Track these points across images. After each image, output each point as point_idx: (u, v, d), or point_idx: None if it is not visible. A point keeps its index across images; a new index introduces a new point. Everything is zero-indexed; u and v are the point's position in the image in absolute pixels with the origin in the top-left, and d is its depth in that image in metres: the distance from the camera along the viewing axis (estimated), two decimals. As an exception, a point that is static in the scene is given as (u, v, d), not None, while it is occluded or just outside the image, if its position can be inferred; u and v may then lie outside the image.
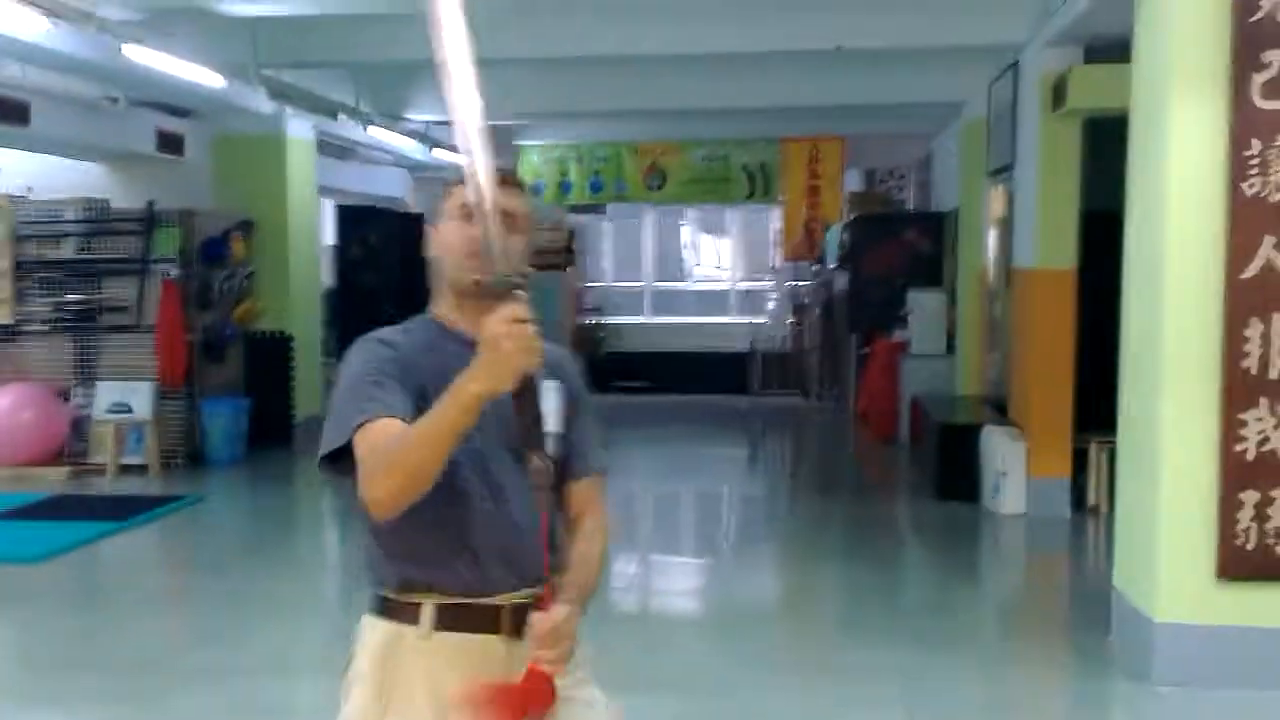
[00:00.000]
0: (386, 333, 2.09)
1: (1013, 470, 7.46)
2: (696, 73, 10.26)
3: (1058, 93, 7.17)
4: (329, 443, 1.94)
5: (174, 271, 9.20)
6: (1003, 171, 8.56)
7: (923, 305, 10.69)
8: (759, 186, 14.48)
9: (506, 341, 1.70)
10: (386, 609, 2.03)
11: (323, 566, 7.22)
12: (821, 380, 13.87)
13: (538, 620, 1.86)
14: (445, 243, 2.05)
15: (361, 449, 1.88)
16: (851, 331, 12.60)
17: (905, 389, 10.35)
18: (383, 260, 11.79)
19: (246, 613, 5.73)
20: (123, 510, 7.54)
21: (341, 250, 12.04)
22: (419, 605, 1.98)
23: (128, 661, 5.01)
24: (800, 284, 14.48)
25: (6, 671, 5.13)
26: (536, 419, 1.84)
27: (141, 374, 9.01)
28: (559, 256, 14.90)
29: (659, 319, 16.70)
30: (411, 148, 12.49)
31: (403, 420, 1.88)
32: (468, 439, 1.85)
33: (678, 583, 6.81)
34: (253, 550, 7.26)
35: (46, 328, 9.15)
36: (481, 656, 1.97)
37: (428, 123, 11.91)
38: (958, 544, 7.19)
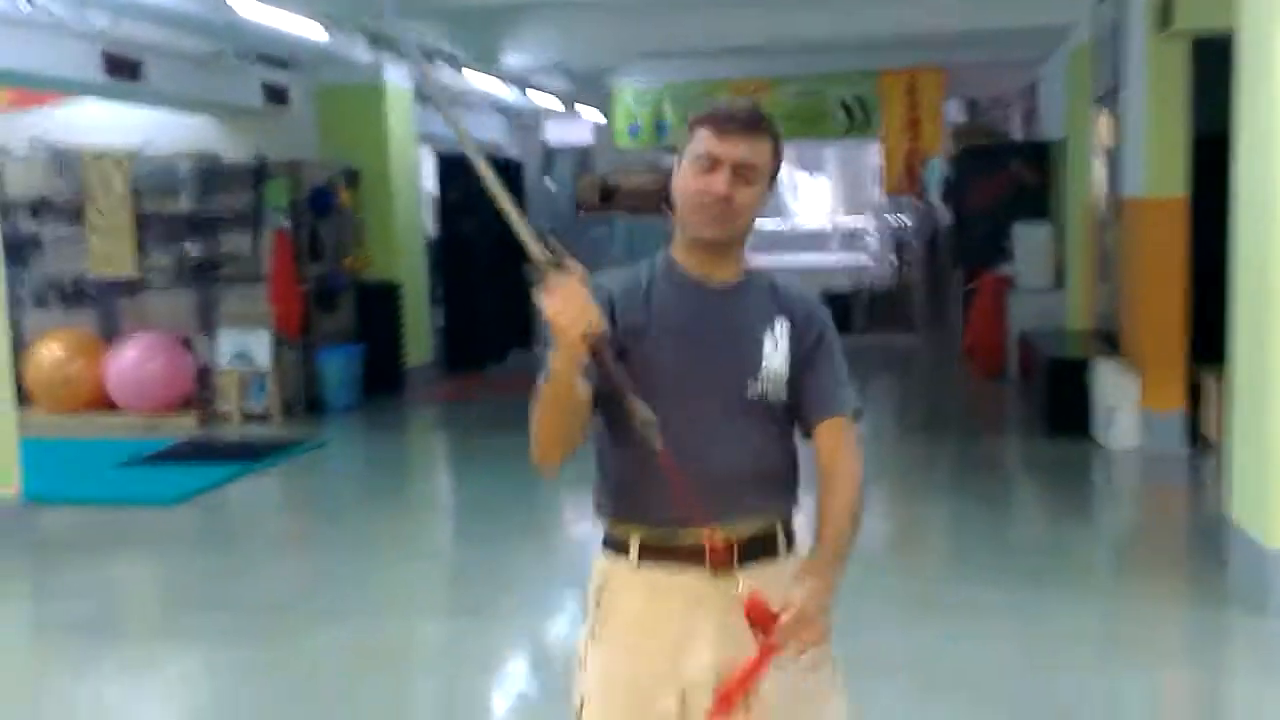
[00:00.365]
0: (610, 273, 2.09)
1: (1125, 404, 7.34)
2: (789, 7, 10.14)
3: (1164, 13, 6.93)
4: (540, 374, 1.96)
5: (285, 222, 9.45)
6: (1109, 97, 8.34)
7: (1029, 238, 10.50)
8: (857, 121, 14.26)
9: (559, 318, 1.75)
10: (605, 541, 2.10)
11: (440, 509, 7.43)
12: (927, 318, 13.73)
13: (785, 612, 1.85)
14: (680, 187, 2.02)
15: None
16: (956, 267, 12.44)
17: (1012, 325, 10.21)
18: (482, 208, 11.93)
19: (369, 555, 5.95)
20: (249, 455, 7.85)
21: (442, 199, 12.21)
22: (628, 539, 2.03)
23: (260, 602, 5.26)
24: (902, 219, 14.30)
25: (149, 608, 5.43)
26: (624, 373, 1.85)
27: (260, 323, 9.30)
28: (656, 199, 14.94)
29: (760, 259, 16.65)
30: (507, 93, 12.56)
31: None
32: (666, 381, 1.95)
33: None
34: (373, 493, 7.52)
35: (168, 280, 9.48)
36: (683, 592, 1.99)
37: (530, 66, 11.95)
38: (1069, 480, 7.12)
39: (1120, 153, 8.04)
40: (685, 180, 1.99)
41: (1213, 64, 6.74)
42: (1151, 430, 7.32)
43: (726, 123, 1.97)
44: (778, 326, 2.04)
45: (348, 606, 5.11)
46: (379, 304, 10.38)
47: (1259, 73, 4.58)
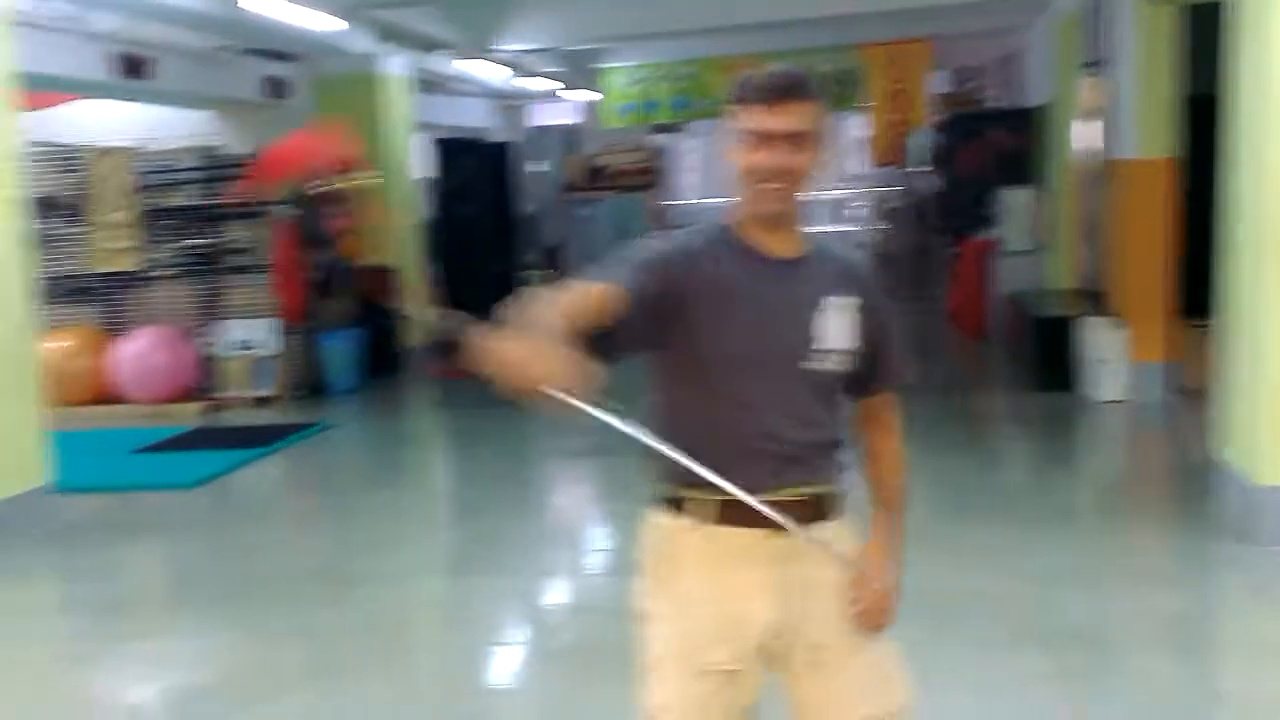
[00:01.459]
0: (676, 233, 2.11)
1: (1113, 358, 7.58)
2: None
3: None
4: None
5: (287, 212, 9.60)
6: (1098, 63, 8.54)
7: (1014, 202, 10.71)
8: (844, 95, 14.45)
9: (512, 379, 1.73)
10: (670, 504, 2.10)
11: (452, 478, 7.64)
12: (914, 283, 13.95)
13: (862, 595, 2.09)
14: (735, 163, 2.03)
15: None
16: (942, 233, 12.66)
17: (998, 287, 10.44)
18: (478, 191, 12.10)
19: (387, 525, 6.16)
20: (261, 438, 8.03)
21: (440, 183, 12.37)
22: (695, 500, 2.05)
23: (290, 571, 5.47)
24: (888, 189, 14.50)
25: (196, 584, 5.57)
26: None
27: (263, 312, 9.48)
28: (643, 178, 15.12)
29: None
30: (502, 78, 12.71)
31: (615, 290, 1.92)
32: (733, 348, 2.00)
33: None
34: (383, 470, 7.72)
35: (172, 272, 9.63)
36: (749, 551, 2.05)
37: (518, 51, 12.10)
38: (1059, 430, 7.37)
39: (1109, 116, 8.25)
40: (739, 157, 2.00)
41: (1204, 26, 6.97)
42: (1137, 382, 7.57)
43: (770, 94, 1.96)
44: (842, 299, 2.06)
45: (375, 572, 5.31)
46: (377, 288, 10.55)
47: (1254, 36, 4.77)
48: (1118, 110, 7.88)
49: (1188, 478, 5.91)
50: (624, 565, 5.32)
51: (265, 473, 7.49)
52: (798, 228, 2.10)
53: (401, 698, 3.93)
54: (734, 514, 2.01)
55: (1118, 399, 7.58)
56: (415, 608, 4.98)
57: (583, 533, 6.15)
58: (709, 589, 2.07)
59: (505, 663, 4.34)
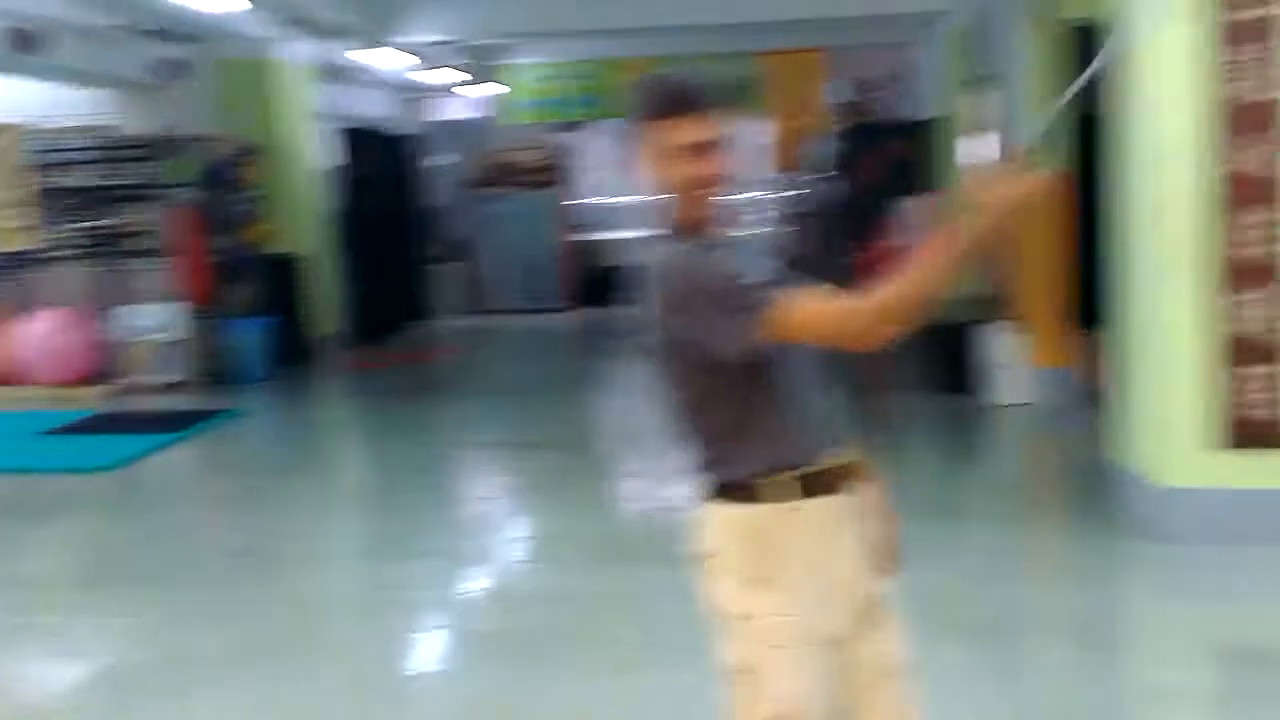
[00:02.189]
0: (686, 247, 2.13)
1: (1013, 362, 7.94)
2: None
3: (1043, 1, 7.51)
4: (733, 340, 2.04)
5: (191, 196, 9.45)
6: (988, 79, 8.93)
7: (911, 211, 11.06)
8: (745, 100, 14.72)
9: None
10: (742, 493, 2.14)
11: (366, 467, 7.65)
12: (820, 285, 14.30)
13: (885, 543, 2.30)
14: (662, 176, 2.12)
15: (795, 320, 2.02)
16: (842, 239, 13.01)
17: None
18: (383, 183, 12.03)
19: (300, 512, 6.21)
20: (171, 424, 7.91)
21: (345, 173, 12.26)
22: (778, 482, 2.12)
23: (207, 554, 5.53)
24: (787, 195, 14.82)
25: (111, 567, 5.50)
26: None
27: (168, 297, 9.30)
28: (547, 175, 15.18)
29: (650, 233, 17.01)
30: (406, 69, 12.65)
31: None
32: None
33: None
34: (295, 458, 7.71)
35: (73, 254, 9.39)
36: (828, 517, 2.18)
37: (422, 43, 12.06)
38: (961, 433, 7.70)
39: (1003, 130, 8.62)
40: (667, 170, 2.09)
41: (1088, 48, 7.36)
42: (1037, 386, 7.94)
43: (692, 104, 2.07)
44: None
45: (293, 556, 5.38)
46: (285, 276, 10.45)
47: (1140, 57, 5.10)
48: (1010, 125, 8.26)
49: (1088, 479, 6.23)
50: (542, 553, 5.50)
51: (177, 458, 7.40)
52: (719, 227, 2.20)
53: (322, 682, 3.98)
54: (810, 486, 2.14)
55: (1017, 403, 7.94)
56: (335, 592, 5.04)
57: (500, 521, 6.23)
58: (816, 564, 2.15)
59: (425, 648, 4.41)
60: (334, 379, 10.34)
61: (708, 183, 2.12)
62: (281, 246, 10.54)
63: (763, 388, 2.14)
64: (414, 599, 4.85)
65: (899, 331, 2.03)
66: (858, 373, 2.00)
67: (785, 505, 2.13)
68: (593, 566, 5.07)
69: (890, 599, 2.31)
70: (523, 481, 6.81)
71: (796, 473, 2.13)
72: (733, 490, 2.15)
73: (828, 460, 2.17)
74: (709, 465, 2.18)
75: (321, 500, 6.48)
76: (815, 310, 2.04)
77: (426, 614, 4.73)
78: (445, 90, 14.88)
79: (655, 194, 2.16)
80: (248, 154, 10.20)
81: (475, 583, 5.16)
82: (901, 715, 2.29)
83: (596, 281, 15.23)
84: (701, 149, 2.09)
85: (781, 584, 2.12)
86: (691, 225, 2.15)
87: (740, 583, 2.14)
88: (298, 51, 10.63)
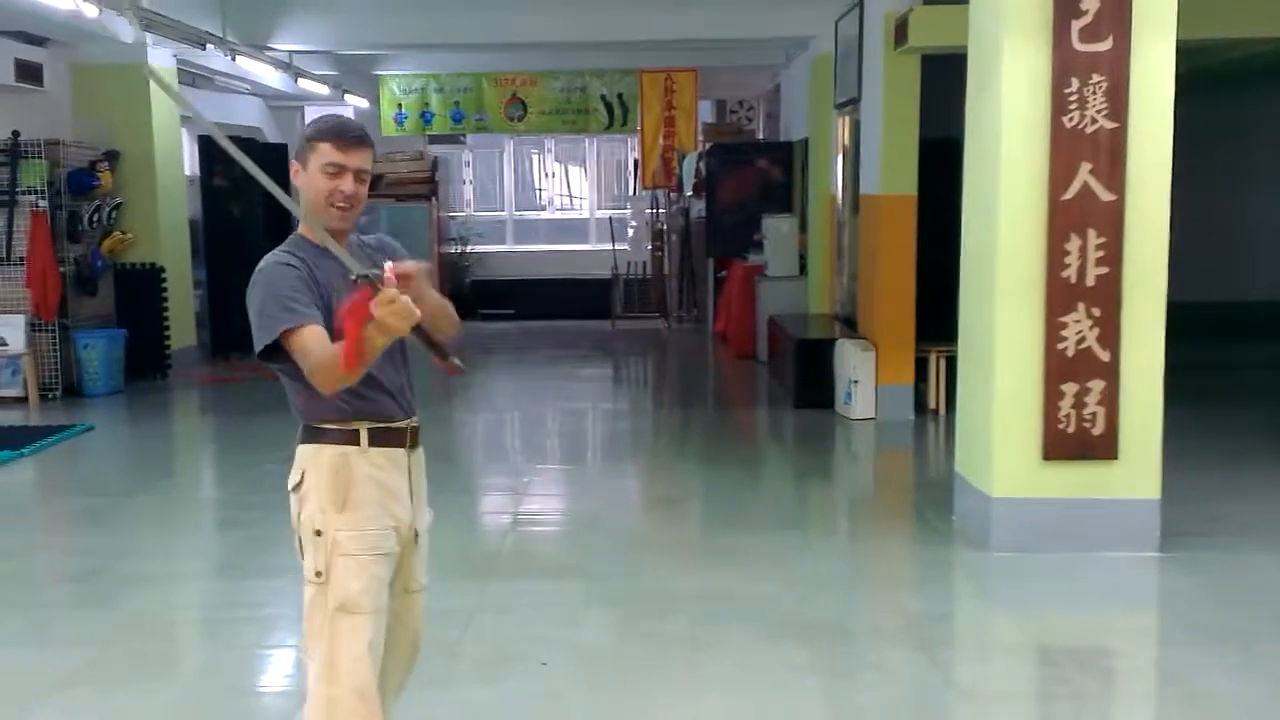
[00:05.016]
0: (283, 256, 2.66)
1: (863, 379, 8.18)
2: (552, 6, 10.57)
3: (900, 31, 7.79)
4: (260, 341, 2.58)
5: (42, 203, 9.18)
6: (849, 104, 9.19)
7: (776, 230, 11.32)
8: (617, 117, 14.89)
9: (390, 318, 2.30)
10: (329, 436, 2.68)
11: (218, 484, 7.48)
12: (681, 304, 14.50)
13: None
14: (312, 187, 2.65)
15: (295, 347, 2.52)
16: (709, 256, 13.23)
17: (762, 309, 11.01)
18: (247, 191, 11.82)
19: (163, 527, 6.07)
20: (12, 440, 7.64)
21: (206, 182, 12.02)
22: (357, 430, 2.68)
23: (53, 575, 5.34)
24: (659, 211, 15.01)
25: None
26: (428, 339, 2.44)
27: (13, 307, 9.01)
28: (421, 187, 15.10)
29: (522, 247, 17.08)
30: (273, 77, 12.47)
31: (316, 324, 2.52)
32: None
33: (562, 488, 7.25)
34: (152, 472, 7.48)
35: (-87, 260, 9.04)
36: (396, 462, 2.74)
37: (291, 52, 11.92)
38: (815, 445, 7.90)
39: (859, 154, 8.89)
40: (315, 183, 2.63)
41: (940, 76, 7.65)
42: (885, 401, 8.21)
43: (347, 137, 2.63)
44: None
45: (143, 575, 5.22)
46: (141, 287, 10.20)
47: (984, 88, 5.33)
48: (868, 149, 8.52)
49: (930, 490, 6.48)
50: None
51: (18, 476, 7.17)
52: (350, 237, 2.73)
53: (174, 700, 3.93)
54: (383, 437, 2.72)
55: (868, 417, 8.19)
56: (186, 610, 4.94)
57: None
58: (378, 496, 2.70)
59: (278, 665, 4.36)
60: (189, 393, 10.10)
61: (349, 200, 2.64)
62: (140, 256, 10.28)
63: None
64: (265, 616, 4.76)
65: (353, 377, 2.48)
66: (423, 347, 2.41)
67: (356, 449, 2.68)
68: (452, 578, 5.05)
69: (425, 537, 2.88)
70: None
71: (368, 425, 2.68)
72: (321, 433, 2.69)
73: (398, 421, 2.74)
74: (301, 413, 2.71)
75: (173, 517, 6.32)
76: (303, 350, 2.51)
77: (277, 631, 4.63)
78: (316, 99, 14.69)
79: (302, 204, 2.67)
80: (106, 161, 9.94)
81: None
82: (416, 620, 2.90)
83: (467, 295, 15.22)
84: (350, 173, 2.62)
85: (350, 508, 2.66)
86: (311, 234, 2.63)
87: (320, 506, 2.67)
88: (160, 58, 10.39)
